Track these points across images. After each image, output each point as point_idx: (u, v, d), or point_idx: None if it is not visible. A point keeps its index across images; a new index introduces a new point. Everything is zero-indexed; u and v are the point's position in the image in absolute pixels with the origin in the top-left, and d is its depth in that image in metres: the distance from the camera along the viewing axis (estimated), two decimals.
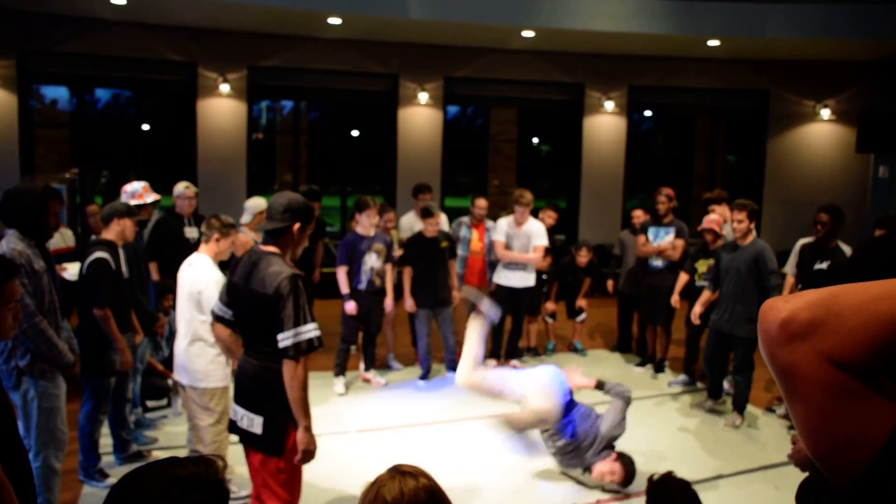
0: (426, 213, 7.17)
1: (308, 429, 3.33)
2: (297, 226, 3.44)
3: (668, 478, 2.84)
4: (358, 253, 6.81)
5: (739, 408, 6.32)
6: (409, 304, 7.25)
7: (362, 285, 6.84)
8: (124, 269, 4.85)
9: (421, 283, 7.20)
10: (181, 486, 1.34)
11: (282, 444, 3.36)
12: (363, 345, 7.23)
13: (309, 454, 3.37)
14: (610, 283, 8.59)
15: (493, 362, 7.74)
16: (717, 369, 6.51)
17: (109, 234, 4.77)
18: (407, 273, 7.24)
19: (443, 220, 7.91)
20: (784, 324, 0.92)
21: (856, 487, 0.89)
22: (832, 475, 0.92)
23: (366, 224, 6.81)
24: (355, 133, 14.09)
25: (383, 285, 6.98)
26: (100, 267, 4.55)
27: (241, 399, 3.49)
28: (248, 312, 3.46)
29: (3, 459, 2.43)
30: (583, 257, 8.35)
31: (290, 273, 3.29)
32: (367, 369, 7.22)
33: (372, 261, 6.83)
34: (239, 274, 3.49)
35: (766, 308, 0.95)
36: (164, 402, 6.28)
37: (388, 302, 7.08)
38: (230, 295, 3.57)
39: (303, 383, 3.28)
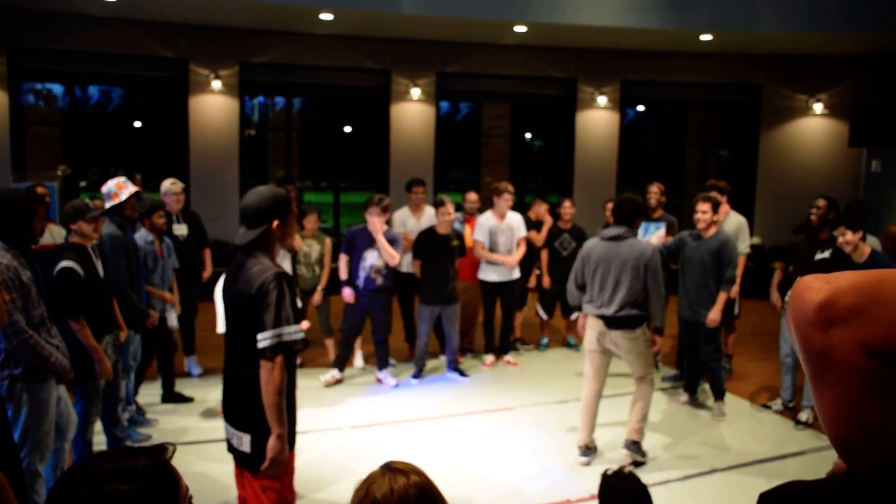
0: (438, 204, 7.09)
1: (281, 437, 3.11)
2: (275, 223, 3.20)
3: (621, 473, 2.85)
4: (356, 247, 6.75)
5: (720, 395, 6.36)
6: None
7: (360, 282, 6.75)
8: (99, 268, 4.70)
9: (427, 279, 7.10)
10: (117, 477, 1.36)
11: None
12: (375, 346, 7.08)
13: (277, 464, 3.14)
14: None
15: (490, 358, 7.74)
16: (696, 360, 6.54)
17: (74, 237, 4.65)
18: (416, 267, 7.21)
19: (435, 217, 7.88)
20: (823, 307, 0.87)
21: (882, 476, 0.86)
22: (853, 461, 0.90)
23: (370, 221, 6.72)
24: (348, 129, 14.05)
25: (385, 284, 6.85)
26: (66, 278, 4.40)
27: (228, 415, 3.33)
28: (232, 315, 3.28)
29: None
30: (567, 210, 8.13)
31: (275, 272, 3.10)
32: (380, 369, 7.11)
33: (372, 258, 6.71)
34: (229, 275, 3.34)
35: (801, 288, 0.90)
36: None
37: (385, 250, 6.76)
38: (223, 297, 3.41)
39: (279, 388, 3.07)
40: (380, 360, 7.09)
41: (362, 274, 6.73)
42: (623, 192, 6.80)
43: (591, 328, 5.28)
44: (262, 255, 3.20)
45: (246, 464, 3.26)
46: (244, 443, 3.20)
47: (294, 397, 3.33)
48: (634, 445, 5.35)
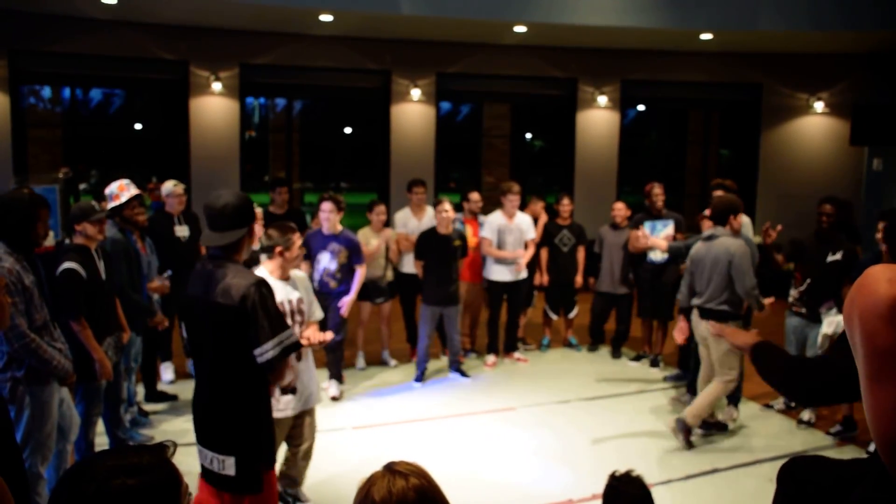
0: (436, 204, 7.06)
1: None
2: (252, 226, 3.18)
3: (628, 477, 2.87)
4: (311, 249, 6.52)
5: (734, 400, 6.29)
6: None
7: (315, 285, 6.45)
8: (101, 270, 4.72)
9: (429, 280, 7.07)
10: (124, 472, 1.38)
11: (259, 480, 3.10)
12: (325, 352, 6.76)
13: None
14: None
15: (492, 357, 7.73)
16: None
17: (78, 238, 4.68)
18: (418, 267, 7.20)
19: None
20: None
21: None
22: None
23: (321, 219, 6.56)
24: (348, 130, 14.07)
25: (340, 288, 6.54)
26: (68, 279, 4.43)
27: (205, 440, 3.15)
28: (208, 329, 3.08)
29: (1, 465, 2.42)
30: (565, 207, 8.14)
31: (255, 280, 3.01)
32: (329, 377, 6.74)
33: (325, 261, 6.50)
34: (195, 286, 3.14)
35: (873, 279, 0.85)
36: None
37: (345, 301, 6.48)
38: (185, 311, 3.23)
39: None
40: (328, 366, 6.69)
41: (317, 276, 6.56)
42: (629, 193, 6.76)
43: (694, 319, 5.85)
44: (234, 264, 3.09)
45: (230, 488, 3.12)
46: (227, 466, 3.06)
47: (269, 411, 3.24)
48: (680, 423, 5.59)
